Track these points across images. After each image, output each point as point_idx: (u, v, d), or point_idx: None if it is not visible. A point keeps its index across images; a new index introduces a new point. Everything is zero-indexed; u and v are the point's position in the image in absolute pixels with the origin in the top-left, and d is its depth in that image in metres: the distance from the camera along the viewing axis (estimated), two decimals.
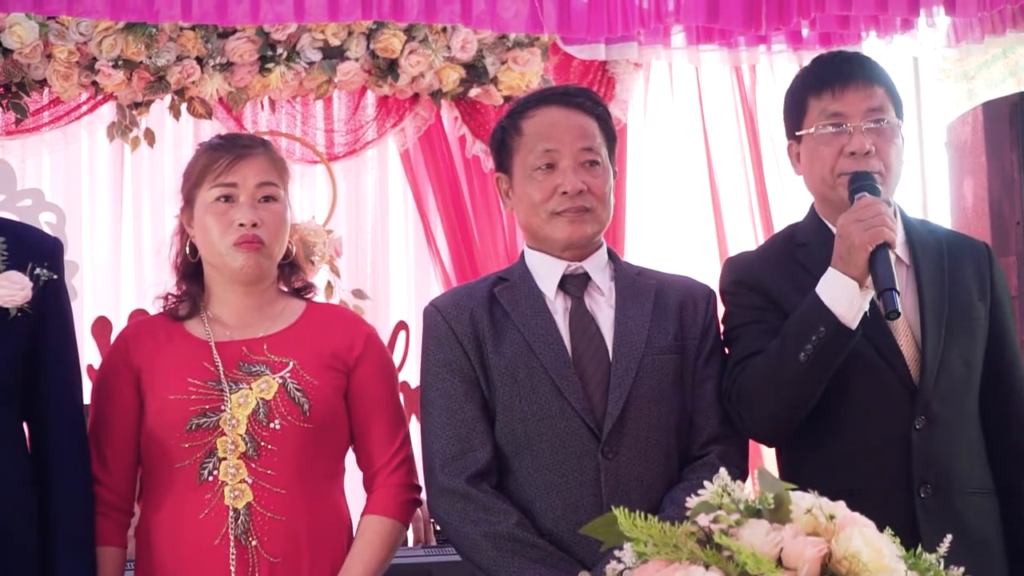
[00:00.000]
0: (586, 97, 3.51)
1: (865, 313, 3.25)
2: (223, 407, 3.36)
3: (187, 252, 3.55)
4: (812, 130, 3.45)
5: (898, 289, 3.17)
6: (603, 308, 3.43)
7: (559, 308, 3.42)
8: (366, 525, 3.49)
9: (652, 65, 7.15)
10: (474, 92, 6.74)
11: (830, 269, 3.26)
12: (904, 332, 3.40)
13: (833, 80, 3.46)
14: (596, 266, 3.46)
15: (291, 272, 3.62)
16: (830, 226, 3.45)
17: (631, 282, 3.47)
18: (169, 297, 3.59)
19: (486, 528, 3.26)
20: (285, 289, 3.62)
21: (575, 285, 3.44)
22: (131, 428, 3.46)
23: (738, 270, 3.58)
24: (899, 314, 3.17)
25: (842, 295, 3.23)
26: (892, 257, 3.25)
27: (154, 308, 3.66)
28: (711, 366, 3.45)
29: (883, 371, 3.37)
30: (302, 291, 3.64)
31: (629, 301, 3.43)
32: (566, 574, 3.19)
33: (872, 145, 3.39)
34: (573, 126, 3.43)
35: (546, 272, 3.45)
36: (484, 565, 3.27)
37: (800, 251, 3.51)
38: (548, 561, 3.22)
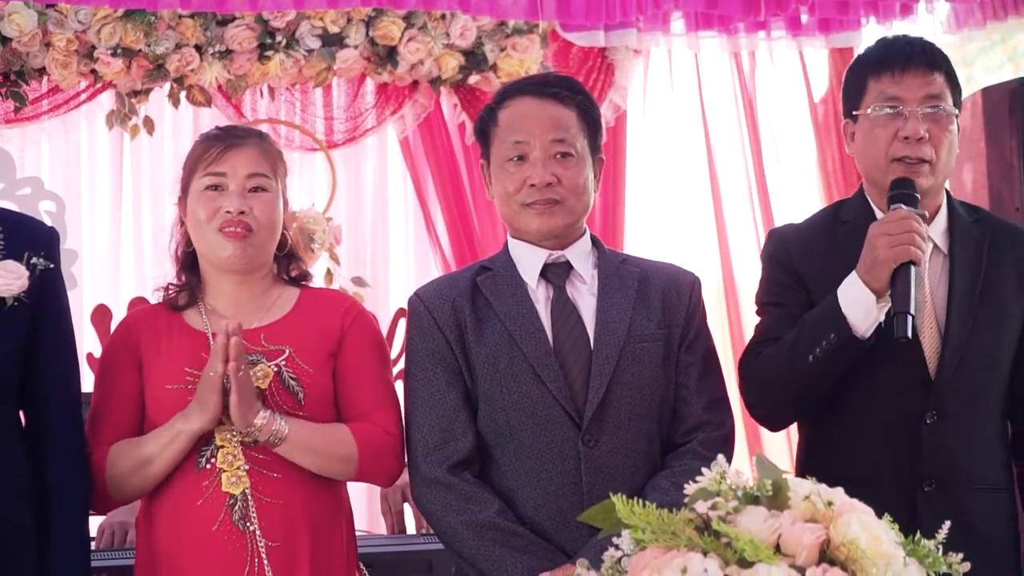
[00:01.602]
0: (563, 87, 3.49)
1: (880, 325, 3.26)
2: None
3: (187, 243, 3.56)
4: (869, 111, 3.46)
5: (913, 312, 3.18)
6: (585, 296, 3.43)
7: (541, 297, 3.43)
8: (332, 425, 3.45)
9: (651, 52, 7.14)
10: (473, 79, 6.74)
11: (853, 274, 3.28)
12: (929, 325, 3.40)
13: (894, 63, 3.46)
14: (578, 254, 3.46)
15: (289, 262, 3.62)
16: (875, 207, 3.47)
17: (614, 270, 3.47)
18: (169, 288, 3.59)
19: (467, 517, 3.27)
20: (279, 275, 3.61)
21: (557, 274, 3.44)
22: (134, 409, 3.46)
23: (775, 243, 3.63)
24: (908, 339, 3.18)
25: (858, 304, 3.26)
26: (928, 246, 3.26)
27: (154, 299, 3.66)
28: (694, 353, 3.45)
29: (900, 363, 3.38)
30: (298, 279, 3.63)
31: (611, 289, 3.43)
32: (546, 562, 3.21)
33: (926, 131, 3.39)
34: (545, 117, 3.42)
35: (528, 261, 3.45)
36: (465, 554, 3.29)
37: (841, 228, 3.52)
38: (529, 549, 3.24)
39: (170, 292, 3.58)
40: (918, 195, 3.35)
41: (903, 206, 3.30)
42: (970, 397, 3.41)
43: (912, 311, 3.18)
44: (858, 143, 3.54)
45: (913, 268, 3.23)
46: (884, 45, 3.58)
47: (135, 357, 3.49)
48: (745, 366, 3.50)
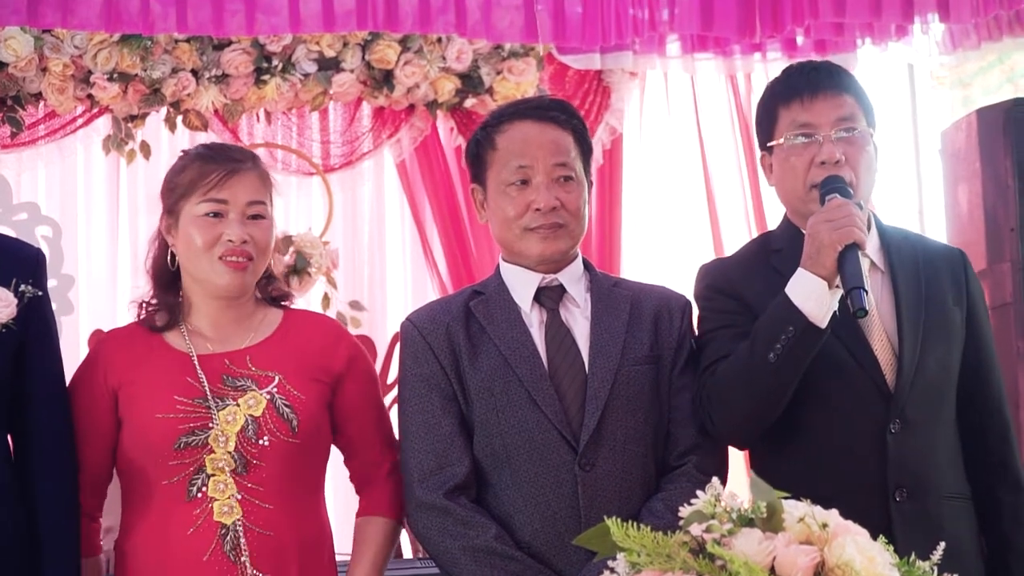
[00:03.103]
0: (560, 110, 3.50)
1: (835, 314, 3.26)
2: (211, 424, 3.35)
3: (167, 260, 3.53)
4: (782, 140, 3.46)
5: (866, 288, 3.18)
6: (579, 320, 3.43)
7: (535, 321, 3.43)
8: (365, 526, 3.50)
9: (647, 74, 7.16)
10: (470, 102, 6.74)
11: (799, 269, 3.27)
12: (879, 337, 3.40)
13: (802, 90, 3.46)
14: (571, 278, 3.46)
15: (268, 282, 3.60)
16: (804, 232, 3.46)
17: (607, 293, 3.47)
18: (144, 305, 3.56)
19: (465, 542, 3.26)
20: (260, 296, 3.59)
21: (550, 297, 3.44)
22: (105, 445, 3.44)
23: (712, 275, 3.59)
24: (866, 312, 3.18)
25: (811, 294, 3.23)
26: (866, 263, 3.26)
27: (129, 311, 3.62)
28: (687, 376, 3.45)
29: (857, 375, 3.38)
30: (279, 300, 3.62)
31: (605, 312, 3.43)
32: None
33: (842, 154, 3.39)
34: (547, 141, 3.42)
35: (521, 285, 3.45)
36: None
37: (775, 256, 3.52)
38: (527, 574, 3.23)
39: (146, 311, 3.55)
40: (850, 189, 3.36)
41: (838, 196, 3.31)
42: (929, 406, 3.41)
43: (866, 287, 3.18)
44: (776, 174, 3.54)
45: (859, 252, 3.23)
46: (790, 73, 3.57)
47: (107, 392, 3.44)
48: (702, 386, 3.44)
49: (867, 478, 3.36)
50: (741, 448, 3.62)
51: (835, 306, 3.25)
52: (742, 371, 3.33)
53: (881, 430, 3.36)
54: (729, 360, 3.37)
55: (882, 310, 3.42)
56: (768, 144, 3.53)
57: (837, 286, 3.23)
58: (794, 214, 3.54)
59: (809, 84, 3.47)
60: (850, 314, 3.21)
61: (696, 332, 3.55)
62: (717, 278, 3.57)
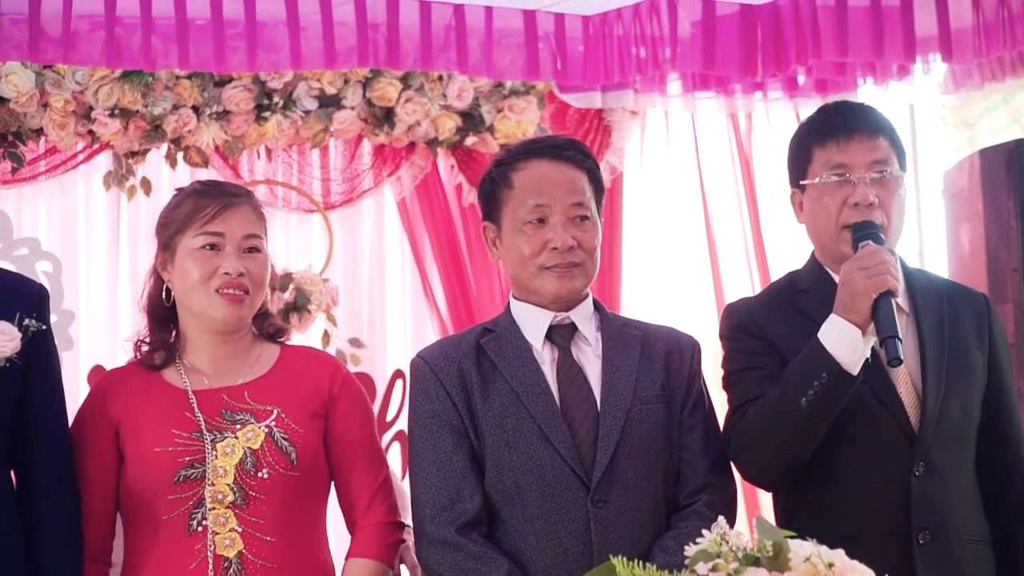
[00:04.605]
0: (576, 150, 3.51)
1: (866, 359, 3.26)
2: (207, 457, 3.35)
3: (163, 297, 3.53)
4: (816, 180, 3.47)
5: (900, 337, 3.19)
6: (590, 358, 3.44)
7: (546, 358, 3.43)
8: (350, 569, 3.49)
9: (648, 113, 7.15)
10: (470, 140, 6.74)
11: (832, 315, 3.28)
12: (904, 379, 3.42)
13: (838, 130, 3.48)
14: (582, 316, 3.47)
15: (263, 319, 3.61)
16: (830, 272, 3.47)
17: (617, 332, 3.49)
18: (140, 343, 3.56)
19: None
20: (257, 332, 3.61)
21: (562, 335, 3.45)
22: (110, 480, 3.45)
23: (737, 315, 3.61)
24: (901, 361, 3.21)
25: (844, 341, 3.25)
26: (895, 305, 3.26)
27: (124, 351, 3.63)
28: (696, 415, 3.46)
29: (882, 418, 3.39)
30: (275, 335, 3.62)
31: (616, 351, 3.44)
32: None
33: (875, 197, 3.41)
34: (563, 180, 3.43)
35: (533, 323, 3.45)
36: None
37: (800, 297, 3.53)
38: None
39: (143, 349, 3.55)
40: (882, 234, 3.36)
41: (871, 242, 3.32)
42: (952, 449, 3.43)
43: (900, 336, 3.20)
44: (807, 213, 3.56)
45: (893, 299, 3.25)
46: (826, 113, 3.60)
47: (110, 426, 3.46)
48: (732, 428, 3.47)
49: (891, 520, 3.36)
50: (768, 489, 3.63)
51: (868, 353, 3.28)
52: (773, 415, 3.34)
53: (906, 472, 3.37)
54: (759, 404, 3.39)
55: (906, 352, 3.42)
56: (801, 182, 3.53)
57: (870, 333, 3.24)
58: (823, 253, 3.55)
59: (845, 125, 3.49)
60: (884, 362, 3.22)
61: (722, 372, 3.58)
62: (742, 318, 3.58)
